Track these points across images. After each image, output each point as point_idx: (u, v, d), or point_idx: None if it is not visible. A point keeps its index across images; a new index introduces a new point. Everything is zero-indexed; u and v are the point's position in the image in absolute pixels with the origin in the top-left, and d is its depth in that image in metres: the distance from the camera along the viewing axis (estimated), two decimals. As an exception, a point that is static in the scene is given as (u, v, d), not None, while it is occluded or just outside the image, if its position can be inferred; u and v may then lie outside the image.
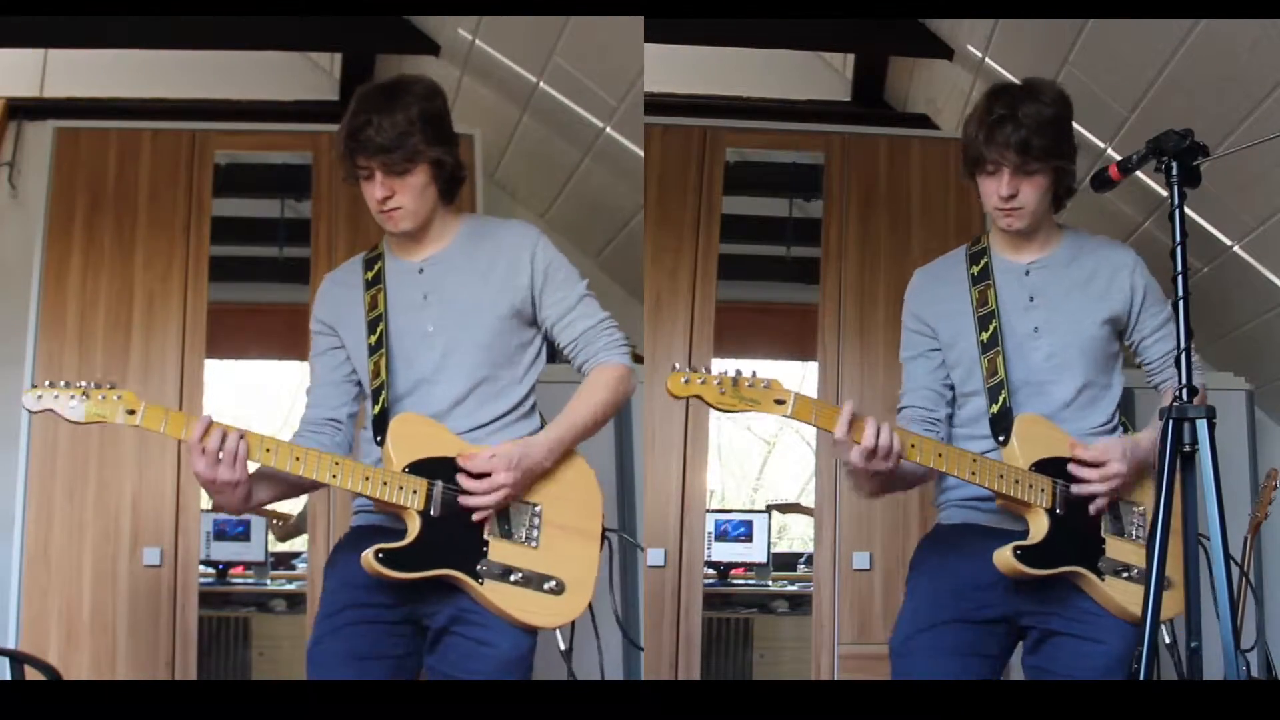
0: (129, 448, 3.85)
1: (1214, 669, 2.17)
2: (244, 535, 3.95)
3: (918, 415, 2.57)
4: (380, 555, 2.37)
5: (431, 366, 2.52)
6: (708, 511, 4.02)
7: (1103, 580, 2.42)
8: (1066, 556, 2.41)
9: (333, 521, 3.84)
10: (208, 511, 3.89)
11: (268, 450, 2.38)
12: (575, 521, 2.52)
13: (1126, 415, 2.60)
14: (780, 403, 2.33)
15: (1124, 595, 2.40)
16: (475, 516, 2.43)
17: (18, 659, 3.46)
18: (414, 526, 2.42)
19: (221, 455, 2.34)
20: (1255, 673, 3.80)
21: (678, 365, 2.31)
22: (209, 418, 2.35)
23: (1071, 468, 2.44)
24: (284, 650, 3.87)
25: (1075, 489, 2.43)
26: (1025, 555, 2.39)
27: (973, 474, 2.41)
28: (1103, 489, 2.43)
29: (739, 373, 2.32)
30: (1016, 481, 2.41)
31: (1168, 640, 3.06)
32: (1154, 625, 2.14)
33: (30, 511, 3.82)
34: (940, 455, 2.40)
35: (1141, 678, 2.11)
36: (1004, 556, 2.39)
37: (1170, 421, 2.18)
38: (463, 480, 2.44)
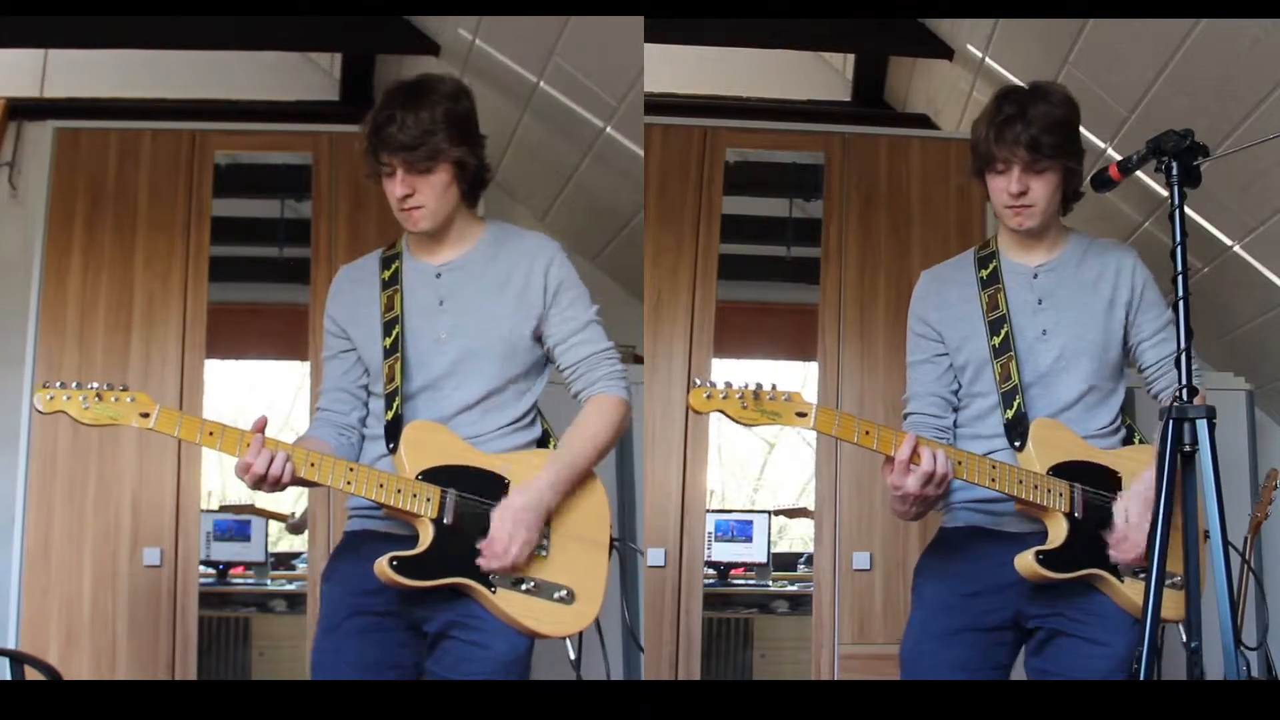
0: (129, 448, 3.85)
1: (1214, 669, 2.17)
2: (244, 535, 3.95)
3: (926, 423, 2.57)
4: (394, 563, 2.37)
5: (441, 373, 2.51)
6: (708, 512, 4.02)
7: (1122, 581, 2.43)
8: (1087, 559, 2.42)
9: (332, 521, 3.84)
10: (208, 511, 3.89)
11: (287, 459, 2.37)
12: (585, 531, 2.52)
13: (1127, 416, 2.60)
14: (802, 415, 2.32)
15: (1143, 596, 2.39)
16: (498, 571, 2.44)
17: (18, 659, 3.46)
18: (427, 534, 2.41)
19: (268, 476, 2.35)
20: (1256, 673, 3.80)
21: (699, 380, 2.31)
22: (261, 439, 2.34)
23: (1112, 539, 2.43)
24: (284, 650, 3.87)
25: (1113, 554, 2.42)
26: (1047, 560, 2.40)
27: (992, 480, 2.41)
28: (1141, 550, 2.42)
29: (760, 386, 2.31)
30: (1035, 487, 2.42)
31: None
32: (1154, 625, 2.14)
33: (30, 511, 3.82)
34: (959, 463, 2.40)
35: (1142, 678, 2.11)
36: (1026, 561, 2.40)
37: (1170, 421, 2.18)
38: (485, 556, 2.42)
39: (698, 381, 2.31)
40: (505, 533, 2.42)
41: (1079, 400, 2.52)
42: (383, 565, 2.37)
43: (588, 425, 2.54)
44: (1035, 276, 2.57)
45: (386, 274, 2.58)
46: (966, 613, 2.49)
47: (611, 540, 2.55)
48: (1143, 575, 2.39)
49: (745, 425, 2.32)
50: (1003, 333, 2.53)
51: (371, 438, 2.56)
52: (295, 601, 3.90)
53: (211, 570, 3.89)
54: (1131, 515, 2.42)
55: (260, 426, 2.37)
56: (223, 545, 3.92)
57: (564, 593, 2.46)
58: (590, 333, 2.57)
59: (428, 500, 2.42)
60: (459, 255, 2.57)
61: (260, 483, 2.36)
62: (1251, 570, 3.63)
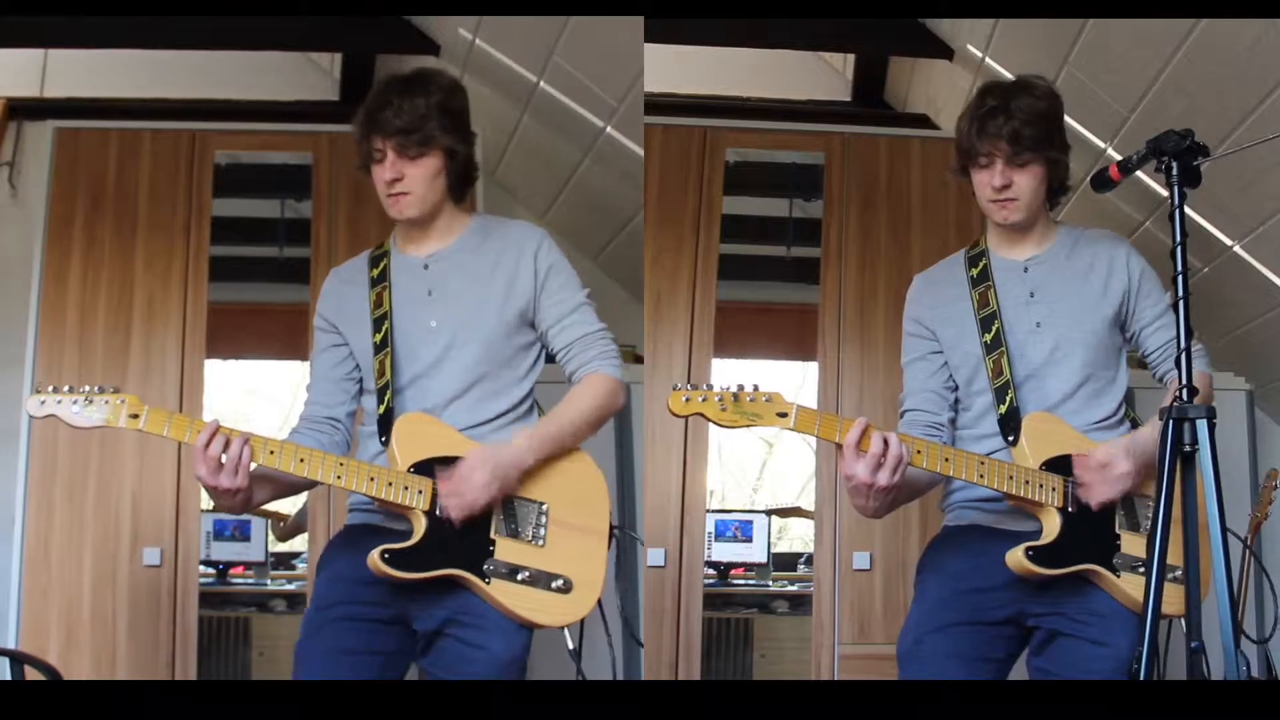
0: (129, 448, 3.85)
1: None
2: (244, 535, 3.94)
3: (920, 419, 2.57)
4: (386, 556, 2.37)
5: (431, 361, 2.52)
6: (708, 512, 4.02)
7: (1118, 577, 2.42)
8: (1080, 555, 2.42)
9: (332, 520, 3.84)
10: (208, 511, 3.89)
11: (271, 453, 2.38)
12: (582, 520, 2.51)
13: (1131, 410, 2.60)
14: (783, 415, 2.32)
15: (1140, 591, 2.38)
16: (455, 516, 2.42)
17: (18, 659, 3.46)
18: (419, 526, 2.41)
19: (224, 461, 2.34)
20: (1256, 673, 3.80)
21: (679, 384, 2.31)
22: (215, 423, 2.34)
23: (1077, 473, 2.43)
24: (284, 650, 3.86)
25: (1081, 494, 2.42)
26: (1037, 555, 2.39)
27: (981, 476, 2.40)
28: (1110, 493, 2.42)
29: (740, 387, 2.31)
30: (1026, 482, 2.41)
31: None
32: (1154, 625, 2.14)
33: (30, 511, 3.82)
34: (947, 460, 2.40)
35: (1142, 678, 2.11)
36: (1016, 557, 2.39)
37: (1170, 421, 2.18)
38: (441, 486, 2.42)
39: (677, 385, 2.31)
40: (468, 474, 2.40)
41: (1078, 390, 2.52)
42: (374, 558, 2.37)
43: (576, 399, 2.54)
44: (1025, 270, 2.58)
45: (375, 272, 2.59)
46: (966, 607, 2.48)
47: (611, 528, 2.54)
48: (1139, 569, 2.40)
49: (725, 427, 2.31)
50: (993, 329, 2.53)
51: (368, 435, 2.56)
52: (295, 601, 3.90)
53: (211, 570, 3.89)
54: (1115, 456, 2.40)
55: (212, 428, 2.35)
56: (223, 545, 3.92)
57: (561, 582, 2.46)
58: (582, 314, 2.58)
59: (419, 493, 2.42)
60: (446, 246, 2.59)
61: (217, 472, 2.34)
62: (1262, 567, 3.62)
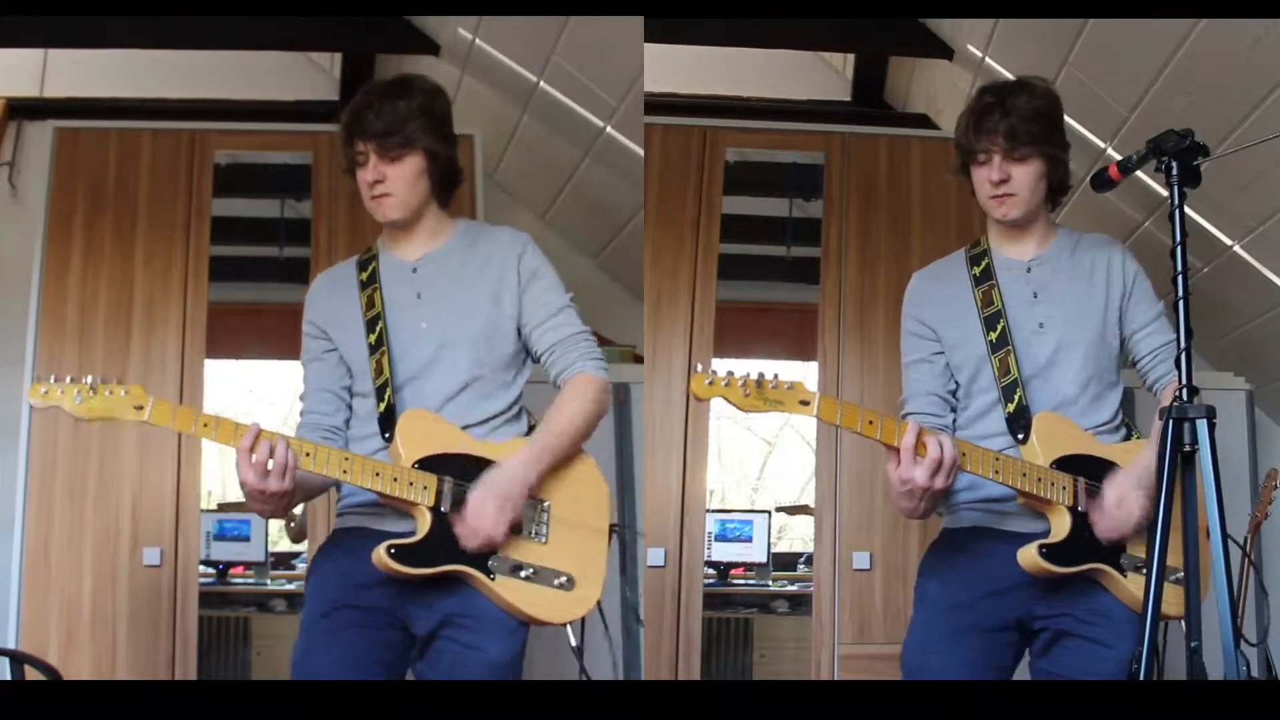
0: (129, 447, 3.85)
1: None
2: (244, 535, 3.95)
3: (924, 422, 2.56)
4: (392, 551, 2.37)
5: (423, 363, 2.52)
6: (708, 511, 4.02)
7: (1125, 576, 2.42)
8: (1090, 554, 2.42)
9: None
10: (208, 511, 3.89)
11: (308, 455, 2.38)
12: (583, 518, 2.52)
13: (1126, 415, 2.60)
14: (805, 403, 2.32)
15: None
16: (476, 550, 2.41)
17: (18, 659, 3.46)
18: (424, 522, 2.42)
19: (271, 466, 2.33)
20: (1256, 672, 3.80)
21: (700, 367, 2.31)
22: (257, 426, 2.33)
23: (1094, 517, 2.42)
24: (284, 650, 3.83)
25: (1095, 531, 2.42)
26: (1050, 553, 2.40)
27: (996, 472, 2.40)
28: (1123, 530, 2.41)
29: (762, 375, 2.31)
30: (1039, 479, 2.41)
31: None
32: (1154, 624, 2.14)
33: (30, 511, 3.82)
34: (964, 455, 2.39)
35: (1141, 678, 2.11)
36: (1029, 555, 2.39)
37: (1170, 421, 2.18)
38: (458, 530, 2.41)
39: (699, 368, 2.30)
40: (479, 508, 2.40)
41: (1081, 393, 2.52)
42: (380, 554, 2.37)
43: (566, 405, 2.55)
44: (1029, 270, 2.58)
45: (364, 275, 2.60)
46: (972, 613, 2.48)
47: (611, 526, 2.55)
48: (1144, 570, 2.40)
49: (747, 412, 2.31)
50: (999, 328, 2.53)
51: (358, 438, 2.55)
52: (295, 601, 3.89)
53: (211, 570, 3.89)
54: (1126, 499, 2.41)
55: (255, 431, 2.35)
56: (223, 545, 3.92)
57: (564, 579, 2.46)
58: (565, 316, 2.59)
59: (424, 488, 2.42)
60: (434, 249, 2.60)
61: (264, 477, 2.33)
62: (1253, 564, 3.63)
